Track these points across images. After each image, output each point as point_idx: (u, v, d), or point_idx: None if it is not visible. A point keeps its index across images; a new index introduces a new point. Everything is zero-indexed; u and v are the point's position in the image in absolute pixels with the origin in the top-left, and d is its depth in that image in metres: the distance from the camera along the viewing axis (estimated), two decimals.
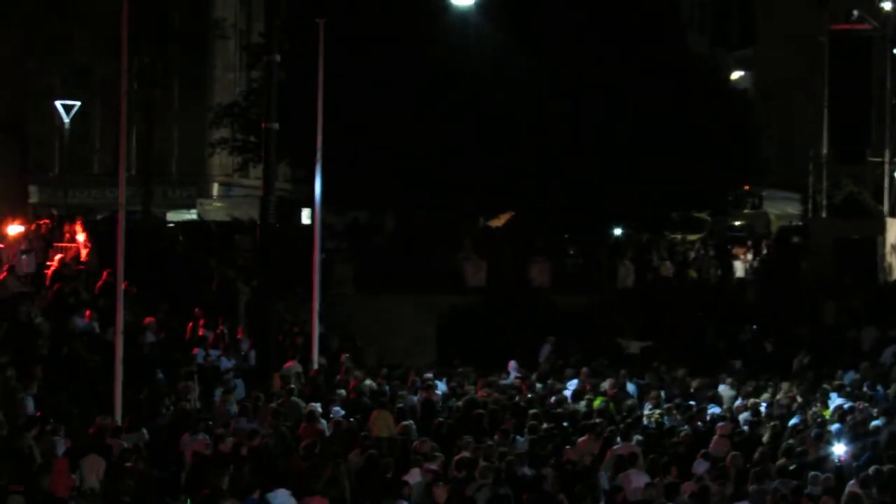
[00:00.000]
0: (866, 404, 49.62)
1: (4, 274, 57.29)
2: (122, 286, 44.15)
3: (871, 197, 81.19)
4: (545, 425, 43.11)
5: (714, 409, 48.30)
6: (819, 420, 46.13)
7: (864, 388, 53.42)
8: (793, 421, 45.72)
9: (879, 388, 53.89)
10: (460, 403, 47.85)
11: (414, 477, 34.52)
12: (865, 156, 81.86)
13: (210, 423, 40.90)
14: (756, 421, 45.89)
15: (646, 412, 47.78)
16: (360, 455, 36.34)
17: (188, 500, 31.58)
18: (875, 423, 45.43)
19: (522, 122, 70.77)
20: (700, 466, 36.37)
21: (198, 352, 52.11)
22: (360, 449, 37.21)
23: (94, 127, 71.73)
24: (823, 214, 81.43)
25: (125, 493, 31.89)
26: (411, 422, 43.67)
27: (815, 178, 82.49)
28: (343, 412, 44.54)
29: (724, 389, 52.82)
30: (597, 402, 49.72)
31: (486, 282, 69.32)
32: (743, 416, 46.87)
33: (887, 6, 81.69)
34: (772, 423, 45.52)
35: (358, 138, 64.58)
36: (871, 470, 36.23)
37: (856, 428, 43.96)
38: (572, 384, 53.82)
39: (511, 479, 33.64)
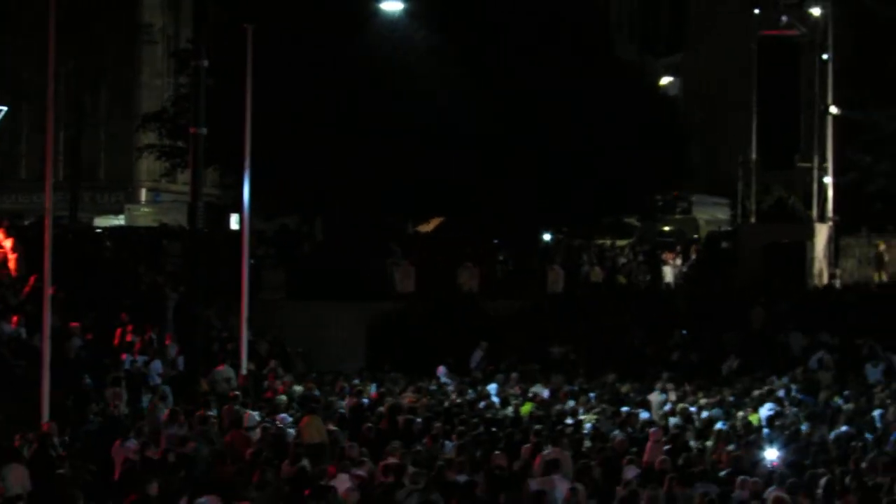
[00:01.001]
0: (795, 409, 49.95)
1: None
2: (49, 291, 44.00)
3: (801, 202, 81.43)
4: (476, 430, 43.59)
5: (644, 415, 48.34)
6: (748, 425, 46.21)
7: (794, 394, 53.66)
8: (721, 426, 45.90)
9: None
10: (383, 409, 47.83)
11: (343, 483, 34.56)
12: (794, 161, 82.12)
13: (141, 428, 41.05)
14: (685, 426, 46.01)
15: (580, 417, 47.92)
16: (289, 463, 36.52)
17: None
18: (803, 427, 45.76)
19: (451, 129, 70.47)
20: (629, 472, 36.61)
21: (125, 357, 52.04)
22: (290, 455, 37.33)
23: (22, 132, 71.52)
24: (752, 220, 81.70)
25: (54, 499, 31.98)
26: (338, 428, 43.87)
27: (745, 184, 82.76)
28: (290, 419, 44.55)
29: (654, 395, 52.82)
30: (525, 408, 49.78)
31: (416, 287, 69.27)
32: (672, 422, 46.93)
33: (816, 12, 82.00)
34: (700, 429, 45.74)
35: (287, 144, 64.30)
36: (807, 475, 36.64)
37: (785, 433, 44.18)
38: (491, 387, 54.18)
39: (441, 485, 33.67)
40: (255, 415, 44.24)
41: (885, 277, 77.80)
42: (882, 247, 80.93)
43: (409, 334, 62.70)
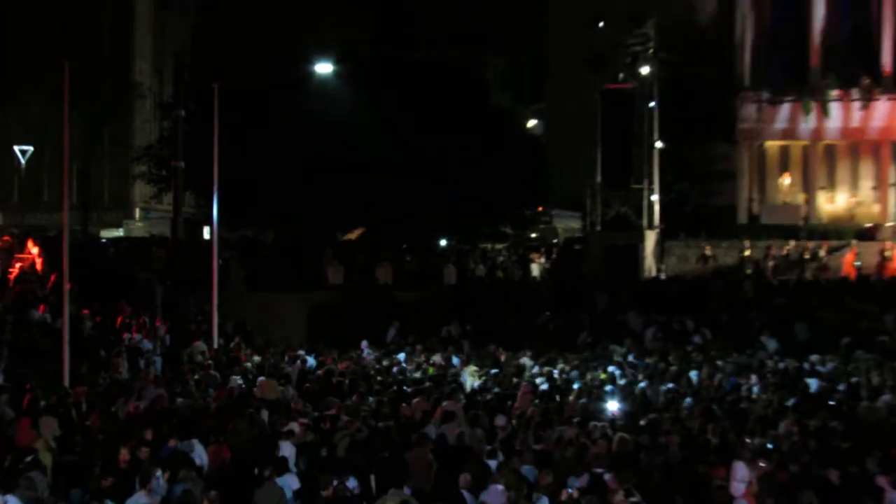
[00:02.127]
0: (632, 371, 50.87)
1: None
2: (67, 286, 44.52)
3: (634, 215, 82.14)
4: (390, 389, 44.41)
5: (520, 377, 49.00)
6: (597, 383, 46.81)
7: (630, 359, 54.36)
8: (576, 385, 46.47)
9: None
10: (320, 372, 48.64)
11: (294, 428, 34.96)
12: (630, 184, 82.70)
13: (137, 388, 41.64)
14: (549, 384, 46.56)
15: (466, 378, 48.48)
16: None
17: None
18: (641, 385, 46.37)
19: (370, 162, 71.61)
20: (499, 420, 36.99)
21: (126, 336, 52.59)
22: (255, 408, 37.89)
23: (44, 166, 71.65)
24: (598, 228, 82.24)
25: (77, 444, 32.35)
26: (290, 387, 44.47)
27: (591, 201, 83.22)
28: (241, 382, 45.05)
29: (525, 360, 53.35)
30: (430, 371, 50.54)
31: (344, 281, 69.73)
32: (539, 381, 47.47)
33: (644, 70, 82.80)
34: (561, 385, 46.29)
35: (246, 174, 65.06)
36: (642, 421, 37.17)
37: (625, 389, 44.76)
38: (401, 356, 55.00)
39: (367, 429, 34.30)
40: (238, 378, 45.25)
41: (771, 269, 78.65)
42: (708, 250, 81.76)
43: (339, 316, 63.26)
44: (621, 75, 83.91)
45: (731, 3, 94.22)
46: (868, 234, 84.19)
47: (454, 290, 72.55)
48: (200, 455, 31.49)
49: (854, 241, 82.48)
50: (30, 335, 48.48)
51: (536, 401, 42.27)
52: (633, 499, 25.41)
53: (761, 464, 29.62)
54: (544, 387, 46.36)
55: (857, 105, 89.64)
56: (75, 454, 31.20)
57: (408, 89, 77.06)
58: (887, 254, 79.85)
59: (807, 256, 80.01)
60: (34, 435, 32.62)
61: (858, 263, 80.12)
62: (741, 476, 28.36)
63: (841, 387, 45.33)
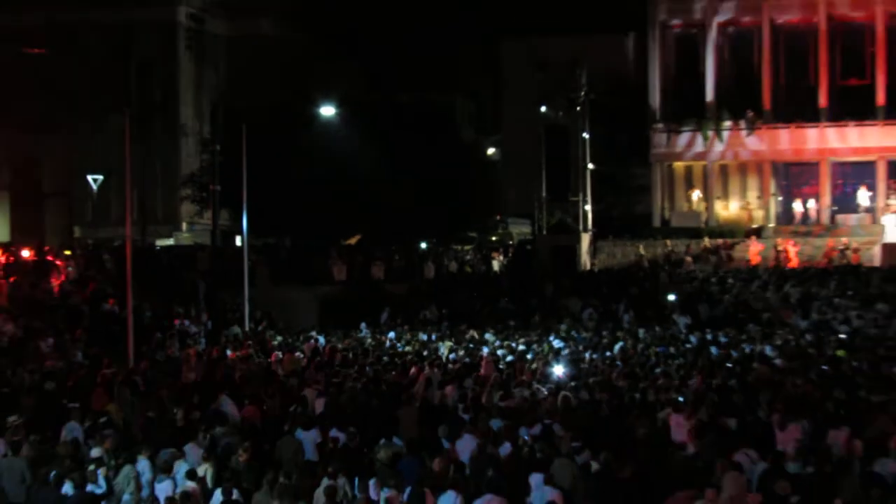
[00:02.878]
0: (573, 343, 50.74)
1: (63, 278, 57.52)
2: (129, 284, 44.66)
3: (572, 221, 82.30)
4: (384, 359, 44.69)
5: (485, 349, 48.99)
6: (548, 353, 46.98)
7: (573, 334, 54.52)
8: (529, 355, 46.65)
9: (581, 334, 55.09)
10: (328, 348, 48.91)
11: (311, 393, 35.02)
12: (568, 197, 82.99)
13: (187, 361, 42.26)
14: (508, 354, 46.71)
15: (443, 351, 48.65)
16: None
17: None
18: (580, 354, 46.53)
19: (365, 184, 71.94)
20: (468, 382, 37.16)
21: (176, 322, 52.75)
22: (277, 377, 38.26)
23: (111, 189, 71.55)
24: (544, 232, 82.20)
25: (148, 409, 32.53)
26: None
27: (538, 211, 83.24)
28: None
29: (488, 336, 53.46)
30: (413, 347, 50.81)
31: (346, 277, 69.70)
32: (500, 352, 47.57)
33: (578, 108, 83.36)
34: (518, 355, 46.43)
35: (268, 193, 65.20)
36: (581, 382, 37.39)
37: (568, 358, 44.91)
38: (391, 334, 55.17)
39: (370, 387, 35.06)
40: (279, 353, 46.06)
41: (646, 263, 79.01)
42: (640, 248, 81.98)
43: (342, 304, 63.39)
44: (560, 113, 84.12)
45: (645, 54, 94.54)
46: (754, 233, 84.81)
47: (432, 282, 72.79)
48: (234, 411, 31.73)
49: (747, 239, 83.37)
50: (102, 323, 48.54)
51: (499, 367, 42.68)
52: (575, 444, 25.56)
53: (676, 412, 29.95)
54: (504, 356, 46.65)
55: (744, 133, 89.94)
56: (143, 415, 31.33)
57: (395, 126, 77.89)
58: (779, 248, 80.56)
59: (707, 248, 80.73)
60: (108, 400, 32.74)
61: (753, 255, 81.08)
62: (682, 426, 28.56)
63: (735, 353, 45.61)
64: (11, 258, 61.72)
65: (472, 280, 75.68)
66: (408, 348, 50.40)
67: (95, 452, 25.65)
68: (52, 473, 24.16)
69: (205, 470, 24.69)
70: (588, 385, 37.39)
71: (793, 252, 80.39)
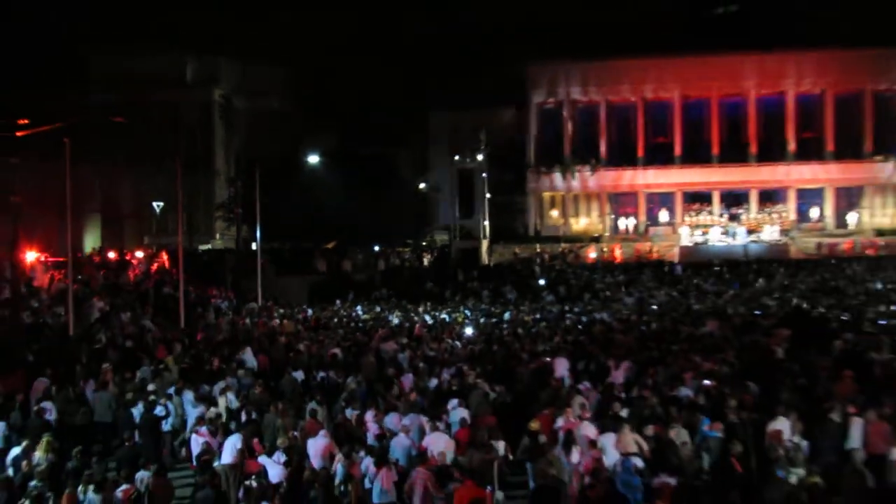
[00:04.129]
0: (477, 312, 51.14)
1: (136, 272, 57.23)
2: (181, 275, 44.51)
3: (477, 231, 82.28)
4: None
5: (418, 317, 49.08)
6: (460, 320, 46.97)
7: (477, 306, 54.55)
8: (447, 320, 46.71)
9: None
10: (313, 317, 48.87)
11: (303, 347, 35.10)
12: (473, 216, 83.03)
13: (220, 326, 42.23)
14: (433, 320, 46.81)
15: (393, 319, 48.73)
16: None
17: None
18: (481, 320, 46.77)
19: (339, 208, 71.57)
20: (405, 339, 37.99)
21: (212, 301, 52.35)
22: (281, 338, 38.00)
23: (169, 211, 70.48)
24: (457, 239, 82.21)
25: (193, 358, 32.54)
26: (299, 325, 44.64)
27: (453, 225, 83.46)
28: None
29: (420, 309, 53.44)
30: (370, 316, 50.74)
31: (326, 269, 69.52)
32: (427, 319, 47.65)
33: (480, 157, 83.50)
34: (441, 322, 46.46)
35: (274, 215, 64.71)
36: (482, 338, 37.62)
37: (473, 322, 45.02)
38: (358, 308, 54.53)
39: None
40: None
41: (547, 259, 79.36)
42: (539, 248, 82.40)
43: (324, 288, 63.21)
44: (468, 159, 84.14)
45: (525, 121, 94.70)
46: (595, 240, 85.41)
47: (383, 273, 72.70)
48: (251, 359, 31.66)
49: (590, 243, 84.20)
50: (162, 301, 48.25)
51: (428, 328, 42.82)
52: (479, 380, 25.79)
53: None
54: (430, 321, 46.72)
55: (588, 173, 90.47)
56: (189, 363, 31.24)
57: (359, 169, 77.91)
58: (605, 248, 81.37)
59: (563, 251, 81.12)
60: (167, 353, 32.62)
61: (595, 254, 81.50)
62: (563, 367, 28.73)
63: (585, 319, 45.97)
64: (101, 258, 61.55)
65: (410, 271, 75.47)
66: (367, 317, 50.39)
67: (154, 387, 25.82)
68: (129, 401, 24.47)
69: (227, 399, 24.87)
70: (486, 341, 37.74)
71: (618, 252, 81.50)
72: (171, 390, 25.57)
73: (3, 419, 22.52)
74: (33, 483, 17.57)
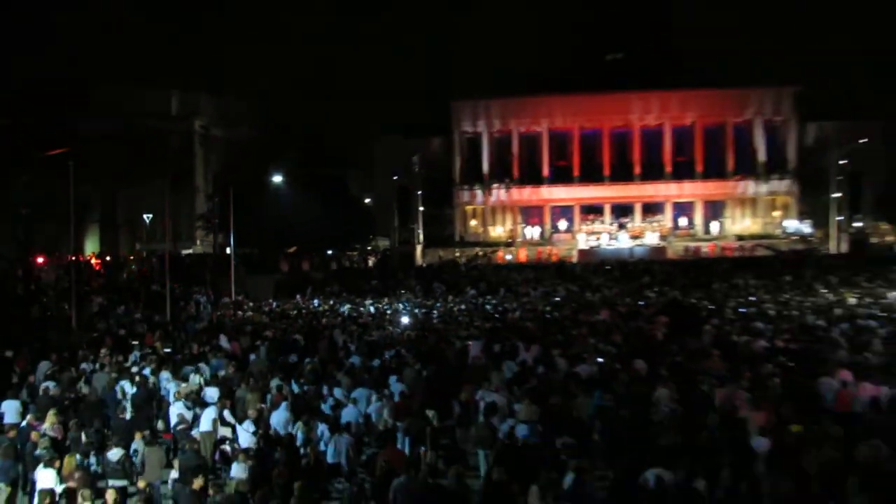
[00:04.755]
0: (412, 304, 50.56)
1: (129, 272, 56.43)
2: (167, 275, 43.82)
3: (412, 239, 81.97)
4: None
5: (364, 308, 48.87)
6: (394, 307, 46.69)
7: (418, 299, 54.27)
8: (388, 311, 46.41)
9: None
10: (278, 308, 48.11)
11: (270, 333, 34.81)
12: (409, 225, 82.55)
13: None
14: (376, 310, 46.53)
15: (344, 310, 48.40)
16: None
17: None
18: (415, 311, 46.43)
19: (298, 219, 70.68)
20: (353, 326, 37.21)
21: (194, 295, 51.70)
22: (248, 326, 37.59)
23: (157, 221, 69.57)
24: (397, 244, 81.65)
25: (175, 344, 32.14)
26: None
27: (393, 233, 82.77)
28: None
29: (367, 301, 53.06)
30: (324, 307, 50.23)
31: (289, 269, 68.93)
32: (371, 309, 47.45)
33: (415, 177, 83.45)
34: (379, 311, 46.22)
35: (245, 225, 63.74)
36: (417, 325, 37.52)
37: (409, 313, 44.77)
38: (315, 301, 53.99)
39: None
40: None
41: (468, 260, 79.08)
42: (441, 252, 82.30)
43: (287, 285, 62.43)
44: (405, 178, 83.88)
45: (451, 147, 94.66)
46: (508, 245, 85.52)
47: (335, 272, 72.22)
48: (226, 344, 31.40)
49: (504, 248, 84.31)
50: (151, 297, 47.66)
51: (372, 317, 42.64)
52: (415, 363, 25.78)
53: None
54: (374, 312, 46.49)
55: (503, 190, 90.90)
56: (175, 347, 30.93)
57: (315, 187, 76.98)
58: (515, 252, 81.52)
59: (480, 254, 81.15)
60: (153, 340, 32.30)
61: (509, 256, 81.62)
62: (477, 349, 28.79)
63: (500, 309, 45.95)
64: (100, 261, 60.70)
65: (357, 271, 74.96)
66: (322, 308, 49.79)
67: (147, 369, 25.51)
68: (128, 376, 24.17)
69: (201, 377, 24.71)
70: (420, 326, 37.74)
71: (523, 255, 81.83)
72: (148, 371, 25.25)
73: (16, 397, 22.14)
74: (40, 451, 17.33)
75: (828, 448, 15.21)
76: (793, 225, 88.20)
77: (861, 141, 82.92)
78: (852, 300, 44.19)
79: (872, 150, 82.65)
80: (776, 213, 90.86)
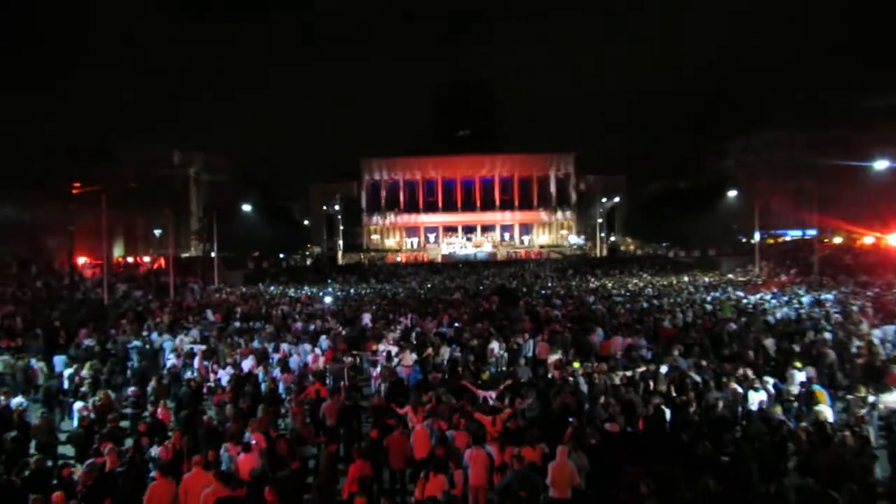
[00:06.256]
0: (336, 290, 48.63)
1: (144, 268, 53.52)
2: (171, 270, 41.71)
3: (336, 246, 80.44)
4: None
5: (302, 291, 47.38)
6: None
7: (339, 286, 52.60)
8: (321, 294, 44.73)
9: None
10: (247, 292, 46.03)
11: (240, 308, 33.40)
12: (333, 238, 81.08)
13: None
14: (312, 294, 45.09)
15: (288, 292, 46.72)
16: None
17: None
18: (338, 293, 44.99)
19: (258, 236, 67.82)
20: (296, 304, 35.47)
21: (189, 283, 49.11)
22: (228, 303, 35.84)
23: (164, 237, 65.51)
24: (326, 251, 80.00)
25: (175, 315, 30.45)
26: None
27: (322, 244, 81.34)
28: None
29: (305, 287, 51.11)
30: (280, 292, 48.31)
31: (254, 267, 66.52)
32: (308, 293, 45.61)
33: (337, 207, 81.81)
34: (313, 294, 44.83)
35: (222, 240, 60.52)
36: (340, 303, 36.13)
37: (333, 296, 43.37)
38: (271, 288, 51.36)
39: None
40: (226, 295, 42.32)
41: (404, 259, 77.70)
42: (359, 256, 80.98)
43: (253, 278, 59.87)
44: (332, 210, 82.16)
45: (360, 187, 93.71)
46: (398, 251, 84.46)
47: (285, 268, 69.95)
48: (211, 316, 30.26)
49: (394, 253, 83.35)
50: (160, 285, 45.27)
51: (309, 297, 41.40)
52: (338, 327, 25.26)
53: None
54: (310, 293, 45.13)
55: (394, 217, 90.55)
56: (175, 318, 29.53)
57: (268, 213, 74.21)
58: (401, 256, 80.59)
59: (379, 257, 79.89)
60: (162, 314, 30.78)
61: (399, 259, 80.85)
62: (367, 318, 28.35)
63: (391, 292, 45.01)
64: (124, 261, 57.39)
65: (300, 268, 72.35)
66: (276, 292, 47.88)
67: (154, 334, 24.33)
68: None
69: (192, 340, 23.68)
70: (345, 306, 36.92)
71: (402, 258, 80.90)
72: (155, 335, 23.98)
73: (64, 353, 20.90)
74: (83, 388, 16.46)
75: (594, 375, 15.70)
76: (573, 239, 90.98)
77: (614, 187, 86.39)
78: (609, 285, 45.32)
79: (620, 193, 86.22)
80: (563, 232, 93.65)
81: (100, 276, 42.19)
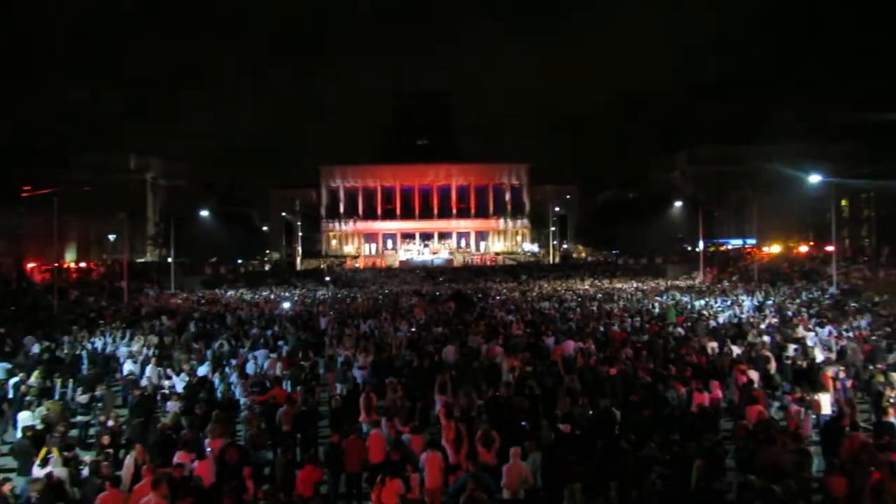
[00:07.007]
0: (296, 293, 47.61)
1: (96, 273, 51.73)
2: (126, 275, 40.52)
3: (295, 252, 79.39)
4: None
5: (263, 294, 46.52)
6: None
7: (297, 290, 51.88)
8: (278, 298, 44.21)
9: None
10: (205, 297, 44.96)
11: (202, 309, 32.64)
12: (293, 244, 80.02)
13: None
14: (270, 298, 44.40)
15: (246, 295, 45.70)
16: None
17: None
18: (295, 297, 44.38)
19: (214, 242, 65.67)
20: (261, 304, 34.98)
21: (144, 288, 47.76)
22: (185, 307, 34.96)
23: (119, 242, 63.54)
24: (285, 257, 78.85)
25: (134, 317, 29.53)
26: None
27: (282, 250, 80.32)
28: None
29: (263, 289, 50.38)
30: (238, 294, 47.33)
31: (212, 272, 64.93)
32: (269, 295, 45.09)
33: (288, 216, 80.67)
34: (277, 296, 44.09)
35: (179, 245, 58.80)
36: (300, 305, 35.44)
37: (291, 299, 42.59)
38: (229, 292, 50.52)
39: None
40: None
41: (362, 265, 76.72)
42: (319, 262, 79.99)
43: (212, 282, 58.76)
44: (291, 215, 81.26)
45: (320, 195, 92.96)
46: (356, 257, 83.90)
47: (243, 274, 68.47)
48: (167, 321, 29.37)
49: (353, 259, 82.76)
50: (114, 290, 43.89)
51: (268, 300, 40.62)
52: (295, 332, 24.86)
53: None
54: (270, 298, 44.36)
55: (353, 224, 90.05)
56: (128, 324, 28.60)
57: (229, 220, 72.38)
58: (358, 261, 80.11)
59: (337, 262, 79.22)
60: (111, 319, 29.83)
61: (358, 264, 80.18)
62: (325, 322, 27.98)
63: (350, 296, 44.47)
64: (76, 265, 55.44)
65: (258, 273, 71.14)
66: (234, 297, 46.67)
67: (108, 339, 23.46)
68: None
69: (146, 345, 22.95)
70: (301, 306, 36.34)
71: (360, 264, 79.93)
72: (108, 340, 23.23)
73: (7, 361, 19.94)
74: (28, 398, 15.69)
75: (547, 378, 15.70)
76: (527, 246, 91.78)
77: (566, 196, 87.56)
78: (560, 289, 45.75)
79: (572, 202, 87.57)
80: (518, 239, 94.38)
81: (50, 281, 40.69)
